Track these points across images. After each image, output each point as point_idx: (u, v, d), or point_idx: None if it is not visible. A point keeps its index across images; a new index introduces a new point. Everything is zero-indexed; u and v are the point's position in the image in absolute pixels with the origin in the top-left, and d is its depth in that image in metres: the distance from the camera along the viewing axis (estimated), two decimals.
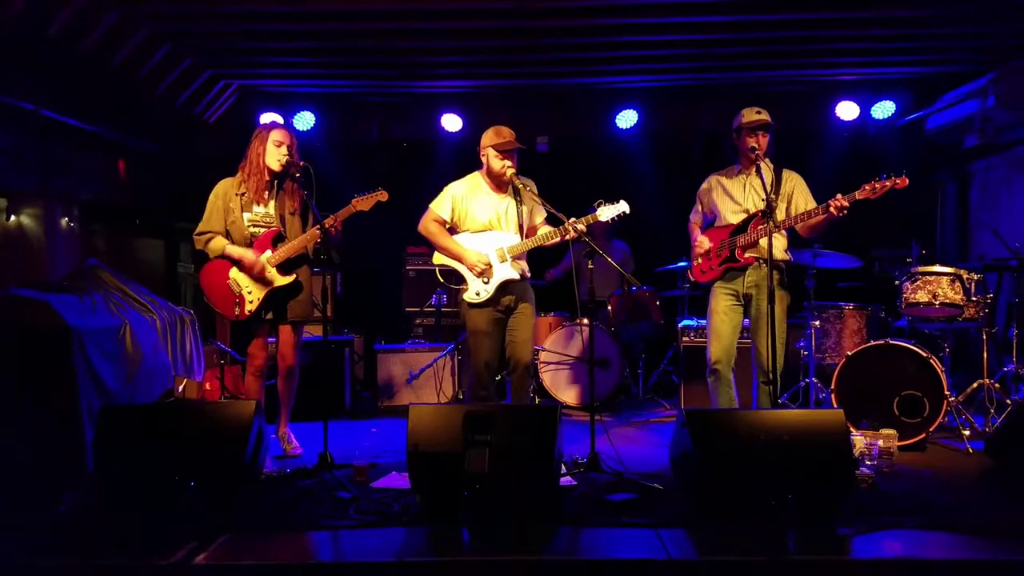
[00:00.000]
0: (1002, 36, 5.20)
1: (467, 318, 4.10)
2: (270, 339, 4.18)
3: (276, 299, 4.01)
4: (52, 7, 4.17)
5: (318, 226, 3.77)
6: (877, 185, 3.76)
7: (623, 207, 3.96)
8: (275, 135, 3.95)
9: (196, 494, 3.04)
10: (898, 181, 3.74)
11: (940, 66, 5.84)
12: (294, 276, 3.98)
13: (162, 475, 3.06)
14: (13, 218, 5.41)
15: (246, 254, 3.91)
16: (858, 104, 6.26)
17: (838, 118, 6.32)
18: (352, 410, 5.70)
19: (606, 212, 3.96)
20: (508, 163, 4.02)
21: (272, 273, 3.93)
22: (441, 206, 4.13)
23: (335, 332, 5.92)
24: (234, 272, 3.94)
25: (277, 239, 3.98)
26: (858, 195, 3.81)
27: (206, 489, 3.06)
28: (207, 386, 5.19)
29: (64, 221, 5.66)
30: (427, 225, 4.14)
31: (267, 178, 3.98)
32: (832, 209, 3.80)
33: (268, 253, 3.94)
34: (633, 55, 5.60)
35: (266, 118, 6.30)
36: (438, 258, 4.15)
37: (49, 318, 3.68)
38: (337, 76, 6.04)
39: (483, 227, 4.12)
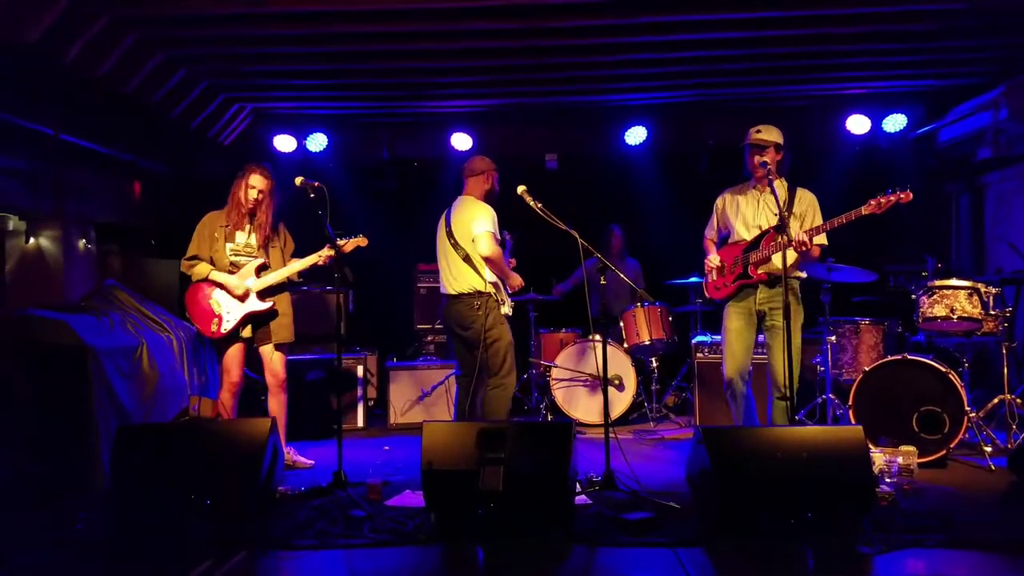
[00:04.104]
0: (1013, 48, 5.18)
1: (505, 331, 4.29)
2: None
3: (257, 321, 4.26)
4: (69, 34, 4.24)
5: (328, 249, 4.16)
6: (882, 200, 3.76)
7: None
8: (252, 179, 4.22)
9: (212, 512, 3.05)
10: (902, 195, 3.73)
11: (951, 79, 5.81)
12: (271, 303, 4.25)
13: (178, 493, 3.07)
14: (32, 240, 5.48)
15: (229, 279, 4.20)
16: (869, 118, 6.22)
17: (849, 132, 6.28)
18: (365, 428, 5.70)
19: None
20: None
21: (253, 298, 4.23)
22: (496, 226, 4.27)
23: (348, 350, 5.93)
24: (216, 293, 4.21)
25: (261, 268, 4.27)
26: (864, 210, 3.81)
27: (221, 507, 3.07)
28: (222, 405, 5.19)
29: (81, 243, 5.73)
30: (495, 247, 4.20)
31: (244, 212, 4.26)
32: (793, 243, 3.86)
33: (253, 279, 4.23)
34: (642, 72, 5.62)
35: (279, 140, 6.39)
36: (489, 275, 4.30)
37: (68, 338, 3.72)
38: (349, 98, 6.11)
39: None
